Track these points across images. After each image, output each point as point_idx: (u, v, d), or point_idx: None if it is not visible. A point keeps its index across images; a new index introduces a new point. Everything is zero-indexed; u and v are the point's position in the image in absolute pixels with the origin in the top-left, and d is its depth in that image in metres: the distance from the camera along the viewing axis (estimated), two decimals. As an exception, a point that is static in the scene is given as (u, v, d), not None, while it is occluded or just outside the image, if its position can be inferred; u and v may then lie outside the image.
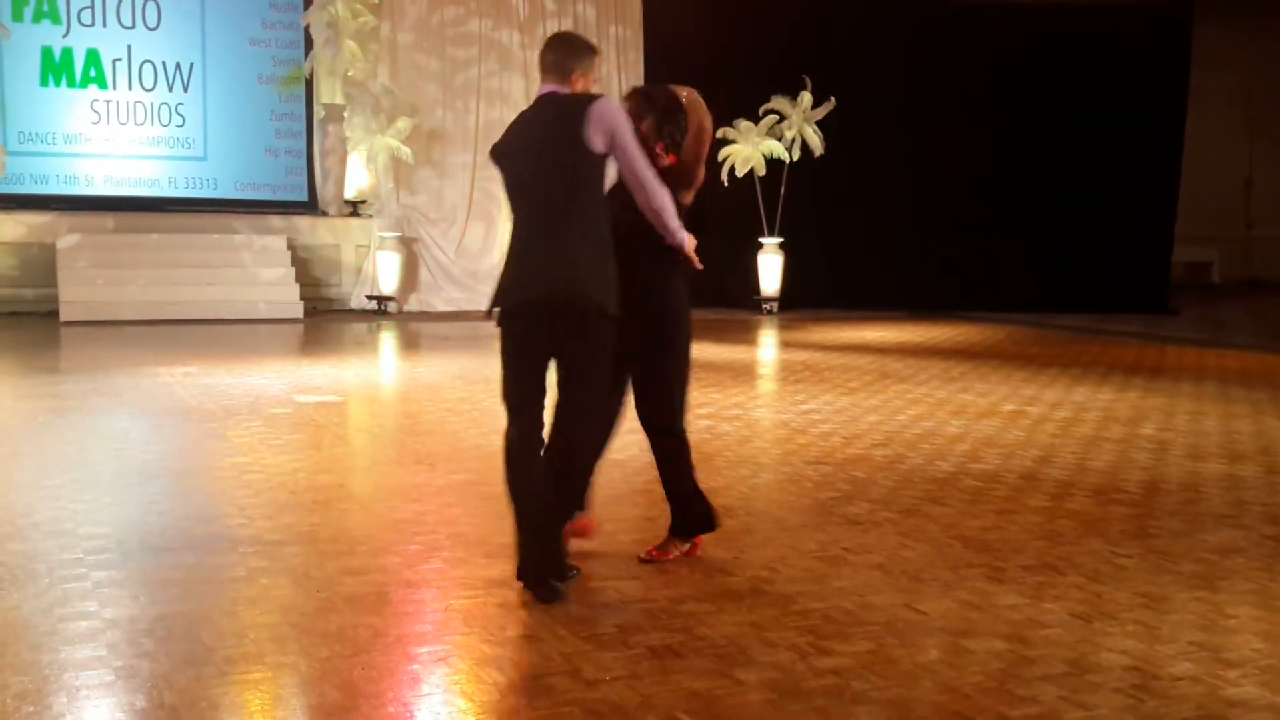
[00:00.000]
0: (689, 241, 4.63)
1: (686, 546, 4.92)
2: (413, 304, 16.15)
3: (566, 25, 17.17)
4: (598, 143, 4.25)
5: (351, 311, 15.89)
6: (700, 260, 4.69)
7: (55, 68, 15.84)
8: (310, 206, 16.71)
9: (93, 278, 14.44)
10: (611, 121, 4.27)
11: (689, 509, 4.90)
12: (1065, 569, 4.83)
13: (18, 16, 15.54)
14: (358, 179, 16.32)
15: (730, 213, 16.56)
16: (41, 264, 14.65)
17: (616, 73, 17.35)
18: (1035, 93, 17.08)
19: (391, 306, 15.64)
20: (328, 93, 16.45)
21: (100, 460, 6.69)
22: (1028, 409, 8.81)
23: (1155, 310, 16.90)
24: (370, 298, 15.76)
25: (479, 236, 16.60)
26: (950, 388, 9.84)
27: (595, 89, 4.47)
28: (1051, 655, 3.88)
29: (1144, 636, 4.07)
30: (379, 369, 11.65)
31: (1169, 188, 17.54)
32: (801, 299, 16.99)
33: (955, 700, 3.53)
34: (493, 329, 4.47)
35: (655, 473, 4.95)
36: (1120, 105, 17.09)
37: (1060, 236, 17.27)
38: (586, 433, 4.52)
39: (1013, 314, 16.36)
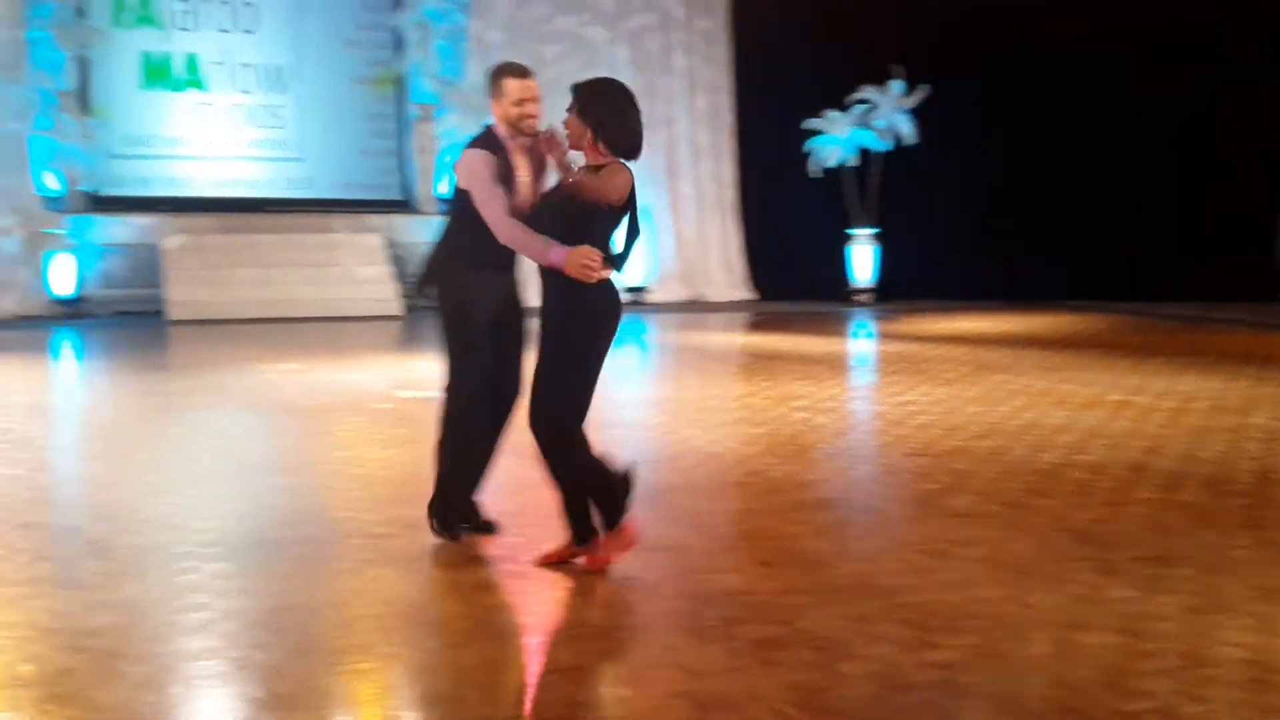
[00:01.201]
0: (569, 259, 4.32)
1: (585, 549, 4.55)
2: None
3: (653, 20, 17.21)
4: (457, 179, 4.87)
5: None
6: (606, 267, 4.37)
7: (155, 72, 16.24)
8: (405, 205, 16.94)
9: (198, 278, 14.79)
10: (458, 169, 4.83)
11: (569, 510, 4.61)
12: (1177, 561, 4.72)
13: (117, 21, 15.95)
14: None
15: (821, 204, 16.44)
16: (148, 265, 15.04)
17: (704, 66, 17.32)
18: (1127, 83, 16.62)
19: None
20: (420, 92, 16.66)
21: (208, 455, 6.85)
22: (1133, 399, 8.62)
23: (1264, 298, 16.43)
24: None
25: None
26: (1051, 378, 9.66)
27: (513, 111, 4.74)
28: (1165, 649, 3.80)
29: (1261, 629, 3.96)
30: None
31: (1276, 172, 17.02)
32: (895, 290, 16.82)
33: (1068, 694, 3.47)
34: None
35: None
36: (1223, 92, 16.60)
37: (1164, 223, 16.83)
38: (449, 408, 4.97)
39: (1114, 302, 16.01)
